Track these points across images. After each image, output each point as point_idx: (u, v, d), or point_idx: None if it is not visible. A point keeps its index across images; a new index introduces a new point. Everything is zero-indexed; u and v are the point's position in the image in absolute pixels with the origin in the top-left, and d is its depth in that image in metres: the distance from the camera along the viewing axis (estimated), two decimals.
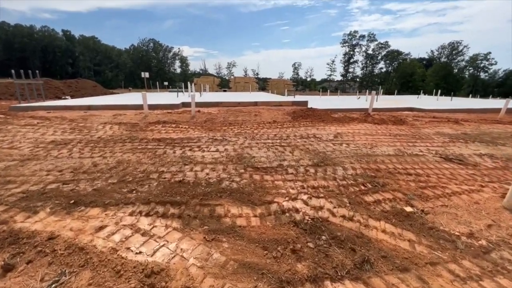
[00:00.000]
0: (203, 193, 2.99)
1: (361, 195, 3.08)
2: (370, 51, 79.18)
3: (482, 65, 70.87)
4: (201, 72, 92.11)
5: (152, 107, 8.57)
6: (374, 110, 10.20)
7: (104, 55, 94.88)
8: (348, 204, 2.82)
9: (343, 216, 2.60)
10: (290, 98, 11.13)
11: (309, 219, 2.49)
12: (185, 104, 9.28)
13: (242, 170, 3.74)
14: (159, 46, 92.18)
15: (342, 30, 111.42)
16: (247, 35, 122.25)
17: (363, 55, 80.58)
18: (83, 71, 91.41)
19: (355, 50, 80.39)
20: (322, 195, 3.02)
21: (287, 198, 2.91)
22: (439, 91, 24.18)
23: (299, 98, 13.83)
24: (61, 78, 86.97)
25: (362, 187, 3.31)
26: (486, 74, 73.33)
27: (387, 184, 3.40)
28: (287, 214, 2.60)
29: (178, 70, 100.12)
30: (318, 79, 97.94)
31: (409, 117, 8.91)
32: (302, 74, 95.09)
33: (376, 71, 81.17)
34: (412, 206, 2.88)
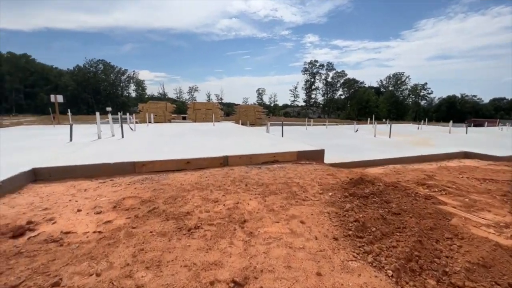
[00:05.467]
0: None
1: None
2: (329, 79, 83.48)
3: (422, 93, 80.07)
4: (160, 96, 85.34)
5: None
6: (405, 160, 6.49)
7: (39, 75, 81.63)
8: None
9: None
10: (288, 144, 6.63)
11: None
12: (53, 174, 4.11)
13: None
14: (110, 68, 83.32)
15: (298, 61, 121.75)
16: (210, 62, 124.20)
17: (323, 83, 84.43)
18: (9, 93, 76.36)
19: (316, 77, 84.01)
20: None
21: None
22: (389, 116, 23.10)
23: (290, 135, 9.54)
24: None
25: None
26: (425, 101, 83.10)
27: None
28: None
29: (134, 94, 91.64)
30: (280, 104, 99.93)
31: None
32: (266, 99, 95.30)
33: (336, 97, 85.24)
34: None
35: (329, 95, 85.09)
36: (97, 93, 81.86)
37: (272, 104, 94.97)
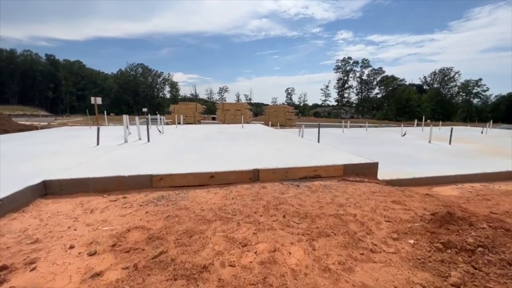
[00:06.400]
0: None
1: None
2: (364, 77, 78.09)
3: (475, 91, 70.58)
4: (192, 97, 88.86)
5: None
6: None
7: (89, 79, 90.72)
8: None
9: None
10: (329, 152, 5.61)
11: None
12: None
13: None
14: (148, 71, 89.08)
15: (329, 59, 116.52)
16: (240, 63, 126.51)
17: (357, 81, 79.32)
18: (65, 96, 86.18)
19: (349, 75, 79.25)
20: None
21: None
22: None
23: (326, 140, 8.40)
24: (40, 103, 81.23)
25: None
26: (479, 100, 73.07)
27: None
28: None
29: (168, 95, 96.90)
30: (310, 104, 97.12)
31: None
32: (295, 99, 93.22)
33: (372, 96, 79.41)
34: None
35: (364, 93, 79.65)
36: (136, 94, 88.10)
37: (301, 104, 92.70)
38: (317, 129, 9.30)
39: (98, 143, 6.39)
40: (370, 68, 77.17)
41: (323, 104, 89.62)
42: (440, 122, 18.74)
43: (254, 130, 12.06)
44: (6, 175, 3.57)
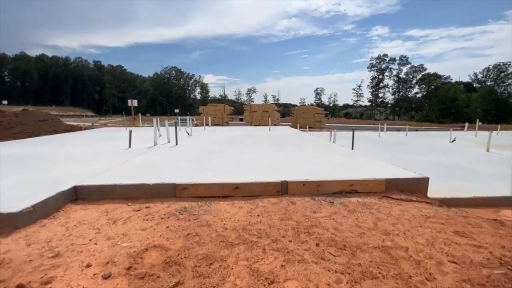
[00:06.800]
0: None
1: None
2: (402, 75, 72.27)
3: None
4: (221, 98, 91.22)
5: None
6: None
7: (129, 82, 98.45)
8: None
9: None
10: (367, 162, 5.04)
11: None
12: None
13: None
14: (180, 74, 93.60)
15: (362, 57, 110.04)
16: (267, 64, 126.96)
17: (394, 79, 73.76)
18: (108, 98, 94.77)
19: (385, 74, 74.05)
20: None
21: None
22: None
23: (360, 145, 7.65)
24: (88, 105, 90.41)
25: None
26: None
27: None
28: None
29: (198, 96, 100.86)
30: (340, 104, 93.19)
31: None
32: (324, 99, 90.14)
33: (410, 95, 73.12)
34: None
35: (401, 93, 73.72)
36: (169, 96, 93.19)
37: (331, 104, 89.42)
38: (349, 132, 8.57)
39: (130, 146, 6.61)
40: (409, 66, 71.23)
41: (355, 105, 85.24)
42: (499, 126, 16.28)
43: (282, 133, 11.67)
44: (41, 178, 3.75)
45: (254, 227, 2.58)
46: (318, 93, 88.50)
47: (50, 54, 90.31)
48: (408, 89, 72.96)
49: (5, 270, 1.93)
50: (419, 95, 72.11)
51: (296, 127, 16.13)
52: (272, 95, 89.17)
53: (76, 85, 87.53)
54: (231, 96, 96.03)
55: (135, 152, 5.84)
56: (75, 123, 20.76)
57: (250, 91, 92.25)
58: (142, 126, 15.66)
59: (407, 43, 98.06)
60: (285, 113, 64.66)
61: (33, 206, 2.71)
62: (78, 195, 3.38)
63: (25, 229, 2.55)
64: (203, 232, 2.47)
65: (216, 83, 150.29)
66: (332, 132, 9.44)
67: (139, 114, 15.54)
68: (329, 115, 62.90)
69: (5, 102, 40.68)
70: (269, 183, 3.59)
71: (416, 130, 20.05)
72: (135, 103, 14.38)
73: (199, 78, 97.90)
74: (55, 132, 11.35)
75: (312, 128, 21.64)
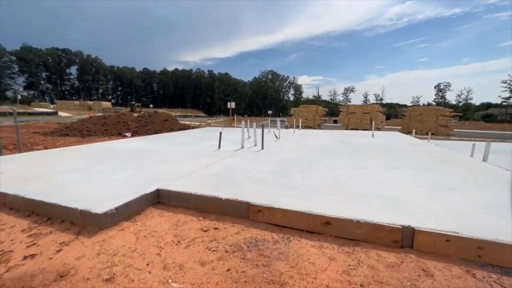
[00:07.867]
0: None
1: None
2: None
3: None
4: (314, 98, 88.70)
5: None
6: None
7: (233, 87, 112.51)
8: None
9: None
10: None
11: None
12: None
13: None
14: (276, 76, 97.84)
15: None
16: (370, 59, 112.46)
17: None
18: (216, 101, 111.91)
19: None
20: None
21: None
22: None
23: None
24: (202, 107, 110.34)
25: None
26: None
27: None
28: None
29: (292, 98, 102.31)
30: (476, 103, 69.87)
31: None
32: (450, 97, 70.29)
33: None
34: None
35: None
36: (265, 98, 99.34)
37: (460, 104, 68.73)
38: (500, 143, 5.41)
39: (219, 147, 6.76)
40: None
41: (504, 103, 61.46)
42: None
43: (391, 141, 9.22)
44: (137, 175, 4.06)
45: None
46: (440, 89, 69.98)
47: (180, 68, 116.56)
48: None
49: (65, 284, 1.82)
50: None
51: (409, 134, 12.69)
52: (375, 94, 78.04)
53: (195, 91, 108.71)
54: (325, 96, 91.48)
55: (221, 155, 5.81)
56: (188, 122, 25.19)
57: (348, 91, 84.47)
58: (237, 127, 16.79)
59: None
60: (389, 114, 54.71)
61: (116, 209, 2.76)
62: (160, 198, 3.37)
63: (106, 232, 2.58)
64: None
65: (311, 83, 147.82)
66: (476, 143, 6.40)
67: (235, 115, 16.77)
68: (457, 118, 47.68)
69: (151, 106, 55.47)
70: (382, 225, 2.33)
71: None
72: (233, 105, 15.58)
73: (293, 80, 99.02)
74: (172, 130, 13.87)
75: (434, 135, 16.58)
